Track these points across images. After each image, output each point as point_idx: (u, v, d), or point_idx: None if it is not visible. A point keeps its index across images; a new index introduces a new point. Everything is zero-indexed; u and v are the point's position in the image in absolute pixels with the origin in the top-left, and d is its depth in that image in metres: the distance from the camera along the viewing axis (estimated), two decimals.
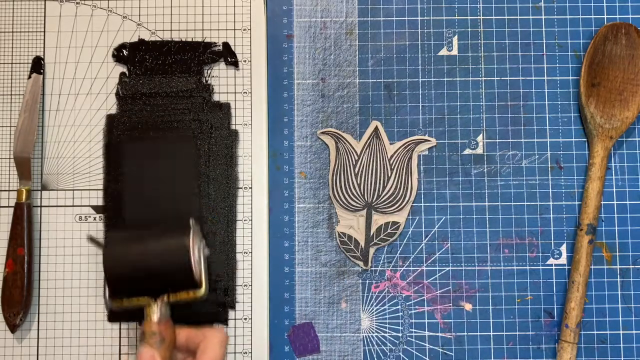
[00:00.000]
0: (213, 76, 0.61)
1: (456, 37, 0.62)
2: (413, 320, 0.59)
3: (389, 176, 0.60)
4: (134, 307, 0.53)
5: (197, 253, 0.52)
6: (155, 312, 0.52)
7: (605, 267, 0.59)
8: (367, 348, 0.59)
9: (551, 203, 0.60)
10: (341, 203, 0.60)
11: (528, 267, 0.59)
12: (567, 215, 0.60)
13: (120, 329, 0.59)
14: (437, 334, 0.59)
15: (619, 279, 0.59)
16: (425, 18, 0.62)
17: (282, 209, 0.60)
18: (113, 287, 0.52)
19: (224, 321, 0.59)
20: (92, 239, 0.55)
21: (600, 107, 0.59)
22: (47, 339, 0.59)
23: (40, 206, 0.60)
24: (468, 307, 0.59)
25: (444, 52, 0.62)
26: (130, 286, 0.52)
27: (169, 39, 0.61)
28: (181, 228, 0.53)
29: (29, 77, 0.61)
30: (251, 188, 0.60)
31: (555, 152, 0.60)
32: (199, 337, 0.52)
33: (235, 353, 0.59)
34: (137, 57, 0.61)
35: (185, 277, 0.52)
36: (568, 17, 0.62)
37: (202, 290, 0.53)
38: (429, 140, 0.60)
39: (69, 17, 0.62)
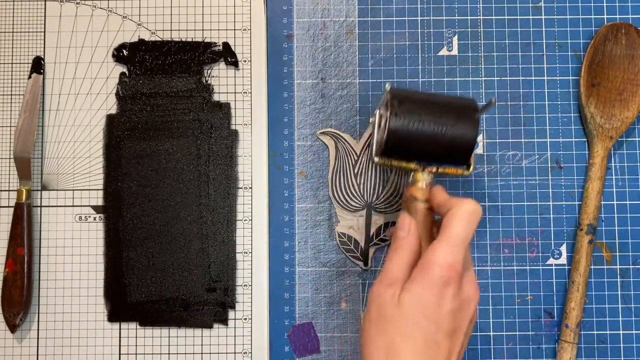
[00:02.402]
0: (213, 76, 0.61)
1: (456, 37, 0.62)
2: None
3: (389, 176, 0.60)
4: (398, 168, 0.52)
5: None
6: (424, 179, 0.50)
7: (605, 267, 0.59)
8: None
9: (551, 203, 0.60)
10: (341, 203, 0.60)
11: (528, 267, 0.59)
12: (567, 215, 0.60)
13: (120, 329, 0.59)
14: None
15: (619, 279, 0.59)
16: (425, 18, 0.62)
17: (282, 209, 0.60)
18: (389, 147, 0.50)
19: (224, 321, 0.59)
20: (386, 88, 0.52)
21: (600, 107, 0.59)
22: (47, 339, 0.59)
23: (40, 206, 0.60)
24: None
25: (444, 52, 0.62)
26: (406, 149, 0.50)
27: (169, 39, 0.61)
28: (471, 106, 0.51)
29: (29, 77, 0.61)
30: (251, 188, 0.60)
31: (555, 152, 0.60)
32: (447, 206, 0.47)
33: (235, 353, 0.59)
34: (137, 57, 0.61)
35: (463, 152, 0.50)
36: (568, 17, 0.62)
37: (471, 169, 0.52)
38: None
39: (69, 17, 0.62)
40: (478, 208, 0.46)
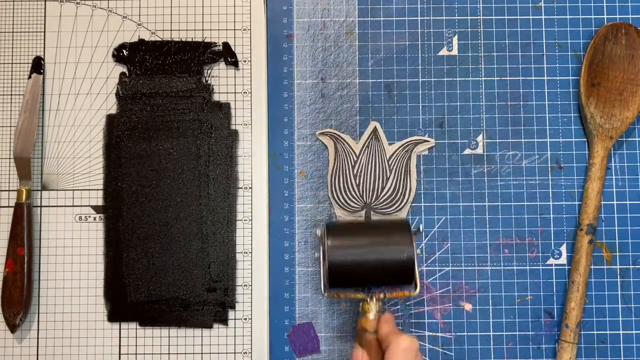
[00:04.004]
0: (213, 76, 0.61)
1: (456, 37, 0.62)
2: (413, 320, 0.59)
3: (388, 177, 0.60)
4: (348, 299, 0.53)
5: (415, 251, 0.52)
6: (373, 309, 0.52)
7: (605, 267, 0.59)
8: None
9: (551, 203, 0.60)
10: (340, 204, 0.60)
11: (528, 267, 0.59)
12: (567, 215, 0.60)
13: (120, 329, 0.59)
14: (437, 334, 0.59)
15: (619, 279, 0.59)
16: (425, 18, 0.62)
17: (282, 209, 0.60)
18: (332, 278, 0.52)
19: (224, 321, 0.59)
20: (317, 233, 0.55)
21: (600, 107, 0.59)
22: (47, 339, 0.59)
23: (40, 206, 0.60)
24: (468, 307, 0.59)
25: (444, 52, 0.62)
26: (349, 278, 0.52)
27: (169, 39, 0.61)
28: (403, 225, 0.53)
29: (29, 77, 0.61)
30: (251, 188, 0.60)
31: (555, 152, 0.60)
32: (387, 342, 0.50)
33: (235, 353, 0.59)
34: (137, 57, 0.61)
35: (405, 274, 0.52)
36: (568, 17, 0.62)
37: (417, 289, 0.53)
38: (427, 141, 0.60)
39: (69, 17, 0.62)
40: (413, 344, 0.49)
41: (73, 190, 0.60)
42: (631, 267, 0.59)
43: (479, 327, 0.59)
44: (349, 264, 0.51)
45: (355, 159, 0.60)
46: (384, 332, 0.51)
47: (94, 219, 0.60)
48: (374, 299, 0.52)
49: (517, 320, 0.59)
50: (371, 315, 0.52)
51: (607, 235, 0.60)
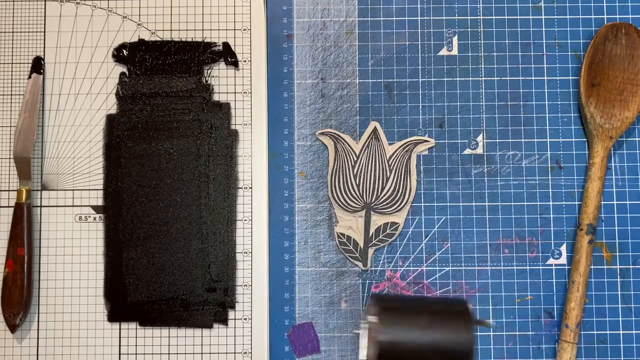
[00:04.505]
0: (213, 76, 0.61)
1: (456, 37, 0.62)
2: None
3: (388, 177, 0.60)
4: None
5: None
6: None
7: (605, 267, 0.59)
8: None
9: (551, 203, 0.60)
10: (340, 204, 0.60)
11: (528, 267, 0.59)
12: (567, 215, 0.60)
13: (120, 329, 0.59)
14: None
15: (619, 279, 0.59)
16: (425, 18, 0.62)
17: (282, 209, 0.60)
18: (384, 358, 0.46)
19: (224, 321, 0.59)
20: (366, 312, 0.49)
21: (600, 107, 0.59)
22: (47, 339, 0.59)
23: (40, 206, 0.60)
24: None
25: (444, 52, 0.62)
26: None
27: (169, 39, 0.61)
28: (462, 306, 0.48)
29: (29, 77, 0.61)
30: (251, 188, 0.60)
31: (555, 152, 0.60)
32: None
33: (235, 353, 0.59)
34: (137, 57, 0.61)
35: None
36: (568, 17, 0.62)
37: None
38: (427, 141, 0.60)
39: (69, 17, 0.62)
40: None
41: (73, 190, 0.60)
42: (631, 267, 0.59)
43: (479, 327, 0.59)
44: (401, 346, 0.46)
45: (355, 159, 0.60)
46: None
47: (94, 219, 0.60)
48: None
49: (517, 320, 0.59)
50: None
51: (607, 235, 0.60)
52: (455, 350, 0.46)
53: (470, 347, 0.46)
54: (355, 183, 0.60)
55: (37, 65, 0.61)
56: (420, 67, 0.61)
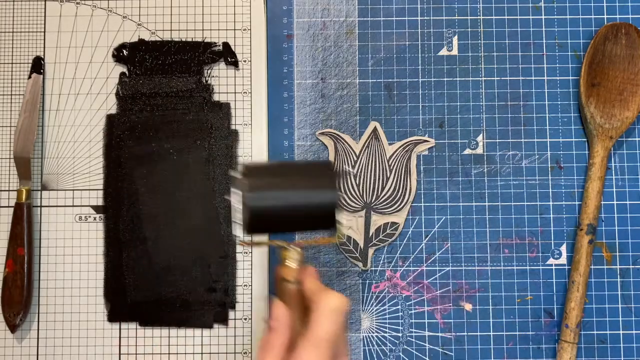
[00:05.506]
0: (213, 76, 0.61)
1: (456, 37, 0.62)
2: (413, 320, 0.59)
3: (388, 177, 0.60)
4: (265, 245, 0.49)
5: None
6: (293, 256, 0.47)
7: (605, 267, 0.59)
8: (367, 348, 0.59)
9: (551, 203, 0.60)
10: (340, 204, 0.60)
11: (528, 267, 0.59)
12: (567, 215, 0.60)
13: (120, 329, 0.59)
14: (437, 334, 0.59)
15: (619, 279, 0.59)
16: (425, 18, 0.62)
17: None
18: (252, 222, 0.46)
19: (224, 321, 0.59)
20: (231, 174, 0.50)
21: (600, 107, 0.59)
22: (47, 339, 0.59)
23: (40, 206, 0.60)
24: (468, 307, 0.59)
25: (444, 52, 0.61)
26: (269, 222, 0.47)
27: (169, 39, 0.61)
28: (327, 166, 0.48)
29: (29, 77, 0.61)
30: None
31: (555, 152, 0.60)
32: (314, 298, 0.45)
33: (235, 353, 0.59)
34: (137, 57, 0.61)
35: (328, 218, 0.47)
36: (568, 17, 0.62)
37: (338, 234, 0.49)
38: (427, 141, 0.60)
39: (69, 17, 0.62)
40: (341, 304, 0.44)
41: (73, 190, 0.60)
42: (631, 267, 0.59)
43: (479, 327, 0.59)
44: (270, 207, 0.46)
45: (355, 159, 0.60)
46: (310, 287, 0.46)
47: (94, 219, 0.60)
48: (295, 247, 0.48)
49: (517, 320, 0.59)
50: (292, 264, 0.47)
51: (607, 235, 0.60)
52: (321, 204, 0.47)
53: (334, 198, 0.47)
54: (355, 183, 0.60)
55: (37, 65, 0.61)
56: (420, 67, 0.61)
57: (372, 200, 0.60)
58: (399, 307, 0.59)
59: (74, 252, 0.60)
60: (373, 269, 0.59)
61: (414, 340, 0.59)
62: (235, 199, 0.47)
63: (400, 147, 0.60)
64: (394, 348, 0.59)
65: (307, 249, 0.50)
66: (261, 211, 0.46)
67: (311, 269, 0.48)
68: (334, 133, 0.60)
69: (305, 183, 0.47)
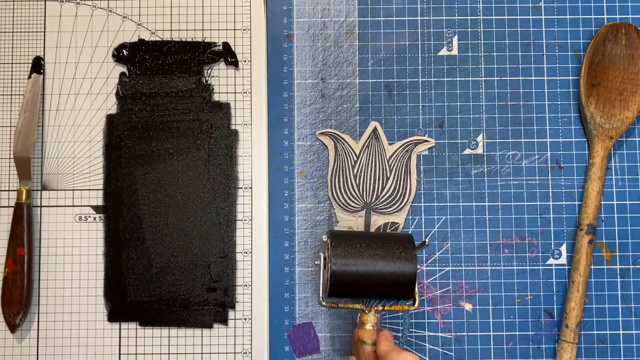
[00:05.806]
0: (213, 76, 0.61)
1: (456, 37, 0.62)
2: (413, 320, 0.59)
3: (388, 177, 0.60)
4: (346, 309, 0.55)
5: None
6: (371, 320, 0.52)
7: (605, 267, 0.59)
8: None
9: (551, 203, 0.60)
10: (340, 204, 0.60)
11: (528, 267, 0.59)
12: (567, 215, 0.60)
13: (120, 329, 0.59)
14: (437, 334, 0.59)
15: (619, 279, 0.59)
16: (425, 18, 0.62)
17: (282, 209, 0.60)
18: (334, 287, 0.52)
19: (224, 321, 0.59)
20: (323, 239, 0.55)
21: (600, 107, 0.59)
22: (47, 339, 0.59)
23: (40, 206, 0.60)
24: (468, 307, 0.59)
25: (444, 52, 0.62)
26: (350, 288, 0.52)
27: (169, 39, 0.61)
28: (407, 240, 0.53)
29: (29, 77, 0.61)
30: (251, 188, 0.60)
31: (555, 152, 0.60)
32: (388, 358, 0.49)
33: (235, 353, 0.59)
34: (137, 57, 0.61)
35: (406, 287, 0.52)
36: (568, 17, 0.62)
37: (416, 304, 0.54)
38: (427, 141, 0.60)
39: (69, 17, 0.62)
40: None
41: (73, 190, 0.60)
42: (631, 267, 0.59)
43: (479, 327, 0.59)
44: (352, 274, 0.52)
45: (355, 159, 0.60)
46: (384, 349, 0.50)
47: (94, 219, 0.60)
48: (373, 311, 0.52)
49: (517, 320, 0.59)
50: (369, 326, 0.52)
51: (607, 235, 0.60)
52: (400, 275, 0.52)
53: (412, 271, 0.52)
54: (355, 183, 0.60)
55: (37, 65, 0.61)
56: (420, 67, 0.61)
57: (372, 200, 0.60)
58: (399, 312, 0.59)
59: (74, 252, 0.60)
60: None
61: (414, 340, 0.59)
62: (322, 264, 0.54)
63: (400, 147, 0.60)
64: None
65: (383, 314, 0.56)
66: (344, 277, 0.52)
67: (386, 332, 0.52)
68: (334, 133, 0.60)
69: (386, 253, 0.52)
